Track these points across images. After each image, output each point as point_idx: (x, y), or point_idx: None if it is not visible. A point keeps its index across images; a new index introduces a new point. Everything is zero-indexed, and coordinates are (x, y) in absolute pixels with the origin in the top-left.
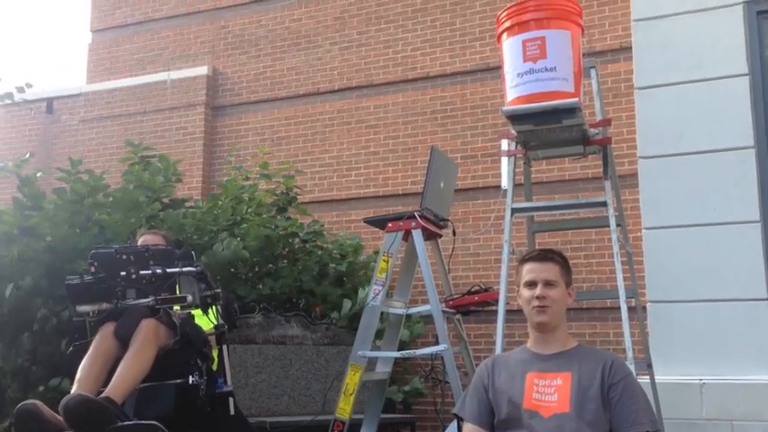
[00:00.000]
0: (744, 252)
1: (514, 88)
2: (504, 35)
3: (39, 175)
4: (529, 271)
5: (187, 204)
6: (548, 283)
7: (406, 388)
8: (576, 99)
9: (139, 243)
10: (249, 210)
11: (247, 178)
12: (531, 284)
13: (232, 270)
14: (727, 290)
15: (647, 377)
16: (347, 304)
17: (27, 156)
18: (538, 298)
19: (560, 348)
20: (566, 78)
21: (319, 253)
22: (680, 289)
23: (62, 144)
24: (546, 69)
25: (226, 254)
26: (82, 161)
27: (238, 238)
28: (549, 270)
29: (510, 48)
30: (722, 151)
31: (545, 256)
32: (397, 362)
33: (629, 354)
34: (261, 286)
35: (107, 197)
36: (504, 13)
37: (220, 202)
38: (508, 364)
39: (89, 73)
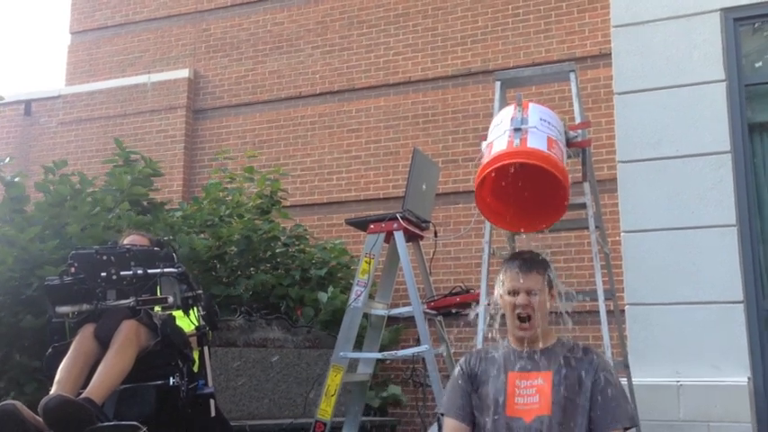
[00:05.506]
0: (721, 255)
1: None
2: None
3: (17, 179)
4: (511, 279)
5: (167, 207)
6: (530, 292)
7: (384, 394)
8: None
9: (125, 243)
10: (228, 211)
11: (231, 180)
12: (514, 293)
13: (213, 273)
14: (705, 292)
15: (625, 378)
16: (323, 297)
17: (7, 160)
18: (520, 306)
19: (541, 345)
20: None
21: (302, 256)
22: (658, 291)
23: (40, 147)
24: None
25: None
26: (67, 162)
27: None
28: (532, 279)
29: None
30: (699, 156)
31: (528, 266)
32: (375, 371)
33: (608, 353)
34: (234, 287)
35: (85, 203)
36: None
37: (203, 205)
38: (489, 359)
39: (68, 75)
